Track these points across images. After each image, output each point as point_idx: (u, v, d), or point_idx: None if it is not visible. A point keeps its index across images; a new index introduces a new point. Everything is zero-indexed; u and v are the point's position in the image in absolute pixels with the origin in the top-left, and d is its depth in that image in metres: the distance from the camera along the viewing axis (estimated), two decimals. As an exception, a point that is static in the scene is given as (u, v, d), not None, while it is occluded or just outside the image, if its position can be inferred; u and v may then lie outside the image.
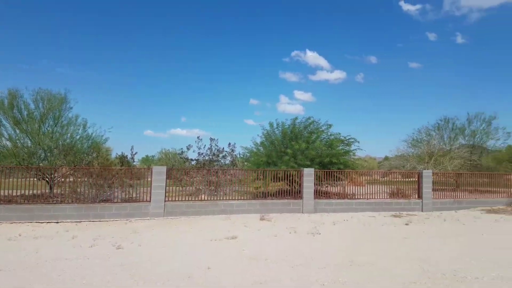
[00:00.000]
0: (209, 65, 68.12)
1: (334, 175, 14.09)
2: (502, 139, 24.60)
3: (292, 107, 70.23)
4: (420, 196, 13.80)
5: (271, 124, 16.40)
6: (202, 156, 15.75)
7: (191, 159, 16.15)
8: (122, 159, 17.40)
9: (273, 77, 70.97)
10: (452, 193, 14.73)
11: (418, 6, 64.84)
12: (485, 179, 16.50)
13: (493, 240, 8.17)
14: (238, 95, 70.58)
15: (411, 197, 13.97)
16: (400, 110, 69.94)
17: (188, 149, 16.20)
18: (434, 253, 6.76)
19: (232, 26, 66.34)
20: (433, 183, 14.18)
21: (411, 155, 23.70)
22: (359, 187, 14.29)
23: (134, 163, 18.40)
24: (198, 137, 16.00)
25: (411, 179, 14.91)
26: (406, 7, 62.88)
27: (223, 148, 16.14)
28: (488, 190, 15.64)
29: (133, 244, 7.36)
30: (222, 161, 16.03)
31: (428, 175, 13.91)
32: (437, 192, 14.30)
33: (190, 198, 11.93)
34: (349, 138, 16.48)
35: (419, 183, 13.96)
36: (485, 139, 24.83)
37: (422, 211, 13.46)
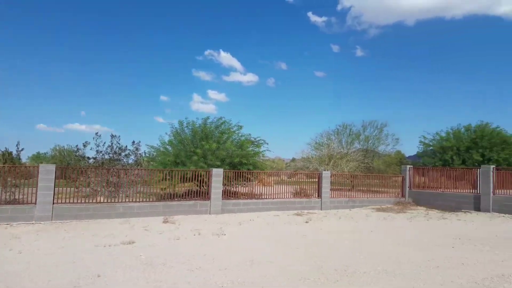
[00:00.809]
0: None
1: (243, 176, 14.24)
2: (391, 145, 28.02)
3: (205, 106, 69.82)
4: (319, 196, 14.72)
5: (180, 123, 15.92)
6: (101, 154, 14.48)
7: (89, 158, 14.75)
8: (6, 155, 15.13)
9: (186, 74, 69.65)
10: (347, 192, 16.03)
11: (324, 18, 70.14)
12: (376, 181, 18.36)
13: (380, 236, 9.03)
14: (147, 90, 67.46)
15: (312, 197, 14.83)
16: (307, 115, 74.70)
17: (85, 146, 14.72)
18: (329, 249, 7.18)
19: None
20: (332, 183, 15.27)
21: (314, 157, 25.33)
22: (267, 187, 14.69)
23: (21, 160, 16.18)
24: (96, 133, 14.65)
25: (314, 180, 15.84)
26: (313, 18, 67.49)
27: (126, 146, 15.05)
28: (378, 190, 17.36)
29: (12, 251, 6.45)
30: (124, 160, 14.94)
31: (326, 176, 14.92)
32: (334, 192, 15.42)
33: (84, 200, 10.86)
34: (259, 140, 16.87)
35: (319, 183, 14.89)
36: (377, 144, 27.94)
37: (321, 209, 14.37)
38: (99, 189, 11.92)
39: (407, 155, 33.86)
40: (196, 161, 14.01)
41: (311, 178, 16.59)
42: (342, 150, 25.79)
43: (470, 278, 5.27)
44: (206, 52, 68.39)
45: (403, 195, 17.16)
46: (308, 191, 15.19)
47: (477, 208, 14.20)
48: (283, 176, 18.16)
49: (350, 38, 69.87)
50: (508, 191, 14.13)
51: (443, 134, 25.49)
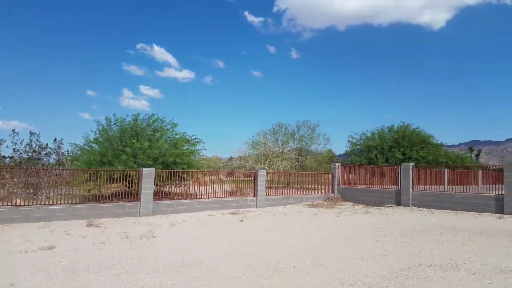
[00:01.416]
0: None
1: (178, 175, 13.86)
2: (322, 144, 29.43)
3: (137, 102, 67.22)
4: (255, 194, 14.90)
5: (108, 119, 14.92)
6: (18, 153, 13.20)
7: (4, 157, 13.38)
8: None
9: (115, 68, 66.39)
10: (282, 190, 16.49)
11: (260, 19, 71.63)
12: (309, 178, 19.16)
13: (311, 231, 9.39)
14: (72, 84, 63.06)
15: (248, 195, 14.96)
16: (244, 114, 75.63)
17: (0, 144, 13.36)
18: (262, 246, 7.28)
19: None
20: (267, 181, 15.56)
21: (250, 156, 25.63)
22: (203, 186, 14.46)
23: None
24: (13, 130, 13.38)
25: (250, 178, 16.00)
26: (250, 18, 68.71)
27: (47, 145, 13.92)
28: (311, 187, 18.12)
29: None
30: (45, 159, 13.78)
31: (262, 175, 15.16)
32: (270, 190, 15.74)
33: (-3, 204, 9.76)
34: (194, 138, 16.50)
35: (255, 182, 15.08)
36: (310, 143, 29.15)
37: (256, 207, 14.56)
38: (15, 191, 10.81)
39: (337, 154, 35.95)
40: (125, 160, 13.28)
41: (247, 177, 16.72)
42: (278, 149, 26.44)
43: (391, 268, 5.69)
44: (138, 46, 65.90)
45: (332, 192, 18.06)
46: (244, 190, 15.29)
47: (398, 203, 15.43)
48: (220, 175, 18.09)
49: (286, 40, 72.61)
50: (426, 187, 15.56)
51: (369, 134, 27.54)
